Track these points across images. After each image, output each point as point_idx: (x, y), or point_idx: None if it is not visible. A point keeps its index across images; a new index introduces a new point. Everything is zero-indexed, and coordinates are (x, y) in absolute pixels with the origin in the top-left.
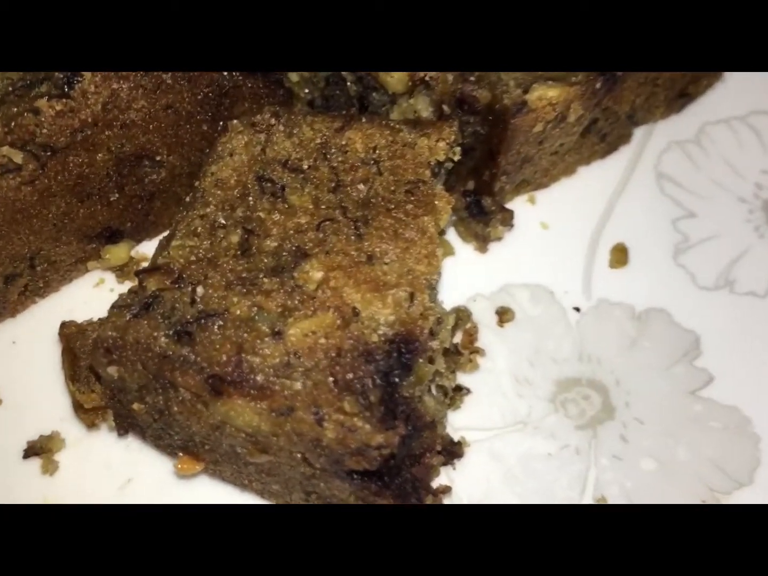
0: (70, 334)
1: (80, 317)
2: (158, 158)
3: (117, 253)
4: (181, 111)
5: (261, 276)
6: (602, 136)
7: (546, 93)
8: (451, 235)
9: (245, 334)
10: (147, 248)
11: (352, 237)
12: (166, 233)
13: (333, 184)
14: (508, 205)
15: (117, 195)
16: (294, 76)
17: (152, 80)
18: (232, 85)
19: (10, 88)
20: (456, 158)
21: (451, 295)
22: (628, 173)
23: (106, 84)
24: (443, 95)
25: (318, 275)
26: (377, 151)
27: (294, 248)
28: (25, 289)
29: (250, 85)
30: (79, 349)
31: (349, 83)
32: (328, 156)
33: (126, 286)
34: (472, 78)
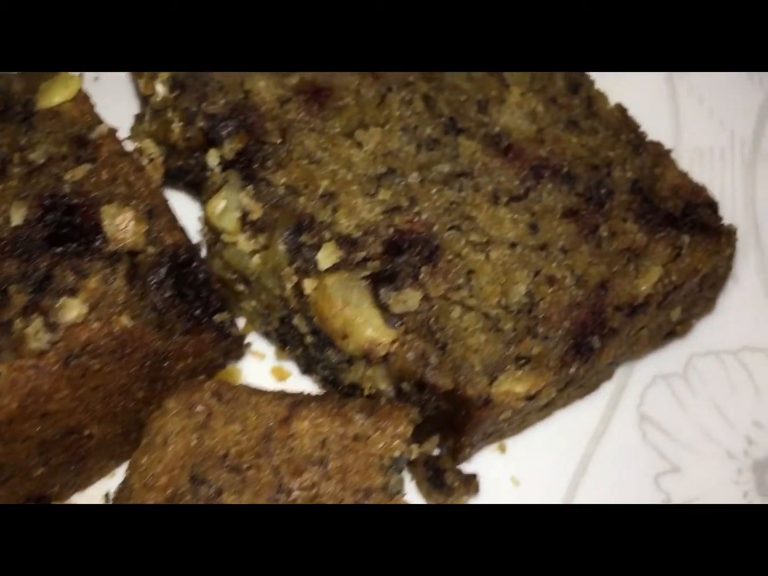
0: None
1: None
2: (87, 432)
3: None
4: (113, 388)
5: None
6: (580, 386)
7: (513, 388)
8: (411, 488)
9: None
10: (80, 500)
11: None
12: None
13: (274, 491)
14: (476, 456)
15: (42, 469)
16: (248, 307)
17: (76, 370)
18: (173, 349)
19: None
20: (413, 457)
21: None
22: (608, 415)
23: (24, 380)
24: (402, 372)
25: None
26: (326, 447)
27: None
28: None
29: (192, 341)
30: None
31: (303, 333)
32: (272, 451)
33: None
34: (433, 358)
